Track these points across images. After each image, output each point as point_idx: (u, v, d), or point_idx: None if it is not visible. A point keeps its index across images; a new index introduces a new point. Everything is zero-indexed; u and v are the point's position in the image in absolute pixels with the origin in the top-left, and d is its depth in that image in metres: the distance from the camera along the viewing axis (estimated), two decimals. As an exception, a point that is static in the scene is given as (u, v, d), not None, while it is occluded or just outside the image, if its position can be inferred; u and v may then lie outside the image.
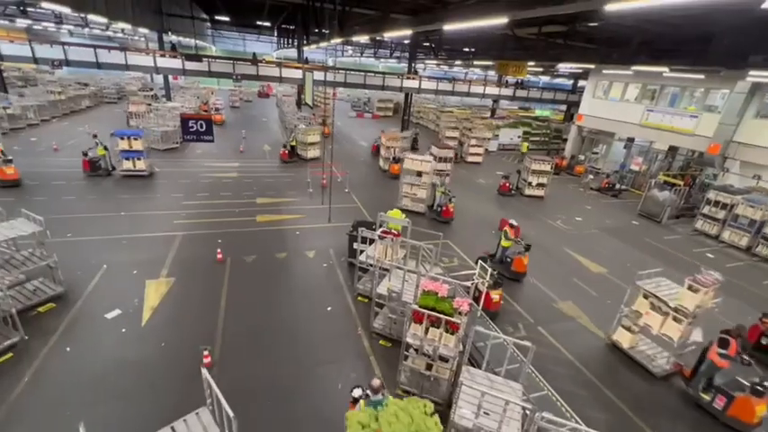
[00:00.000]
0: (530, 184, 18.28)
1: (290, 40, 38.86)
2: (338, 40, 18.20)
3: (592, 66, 23.11)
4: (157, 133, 20.34)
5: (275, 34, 44.57)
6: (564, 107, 39.74)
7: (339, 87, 28.21)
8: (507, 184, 18.37)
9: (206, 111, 28.06)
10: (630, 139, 23.47)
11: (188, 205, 13.68)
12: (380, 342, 7.91)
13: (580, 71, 34.15)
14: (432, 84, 30.67)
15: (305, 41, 30.24)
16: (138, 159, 15.82)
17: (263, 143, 23.88)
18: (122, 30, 30.42)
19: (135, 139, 15.57)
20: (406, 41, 31.82)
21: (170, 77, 32.07)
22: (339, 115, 28.93)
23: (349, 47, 42.39)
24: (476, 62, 31.06)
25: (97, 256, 9.81)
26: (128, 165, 15.76)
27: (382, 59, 48.98)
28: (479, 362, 6.67)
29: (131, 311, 8.05)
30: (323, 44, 23.67)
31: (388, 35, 14.94)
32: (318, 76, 24.42)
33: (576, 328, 9.09)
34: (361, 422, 4.14)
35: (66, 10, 14.22)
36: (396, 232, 8.68)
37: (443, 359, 6.34)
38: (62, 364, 6.66)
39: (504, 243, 10.87)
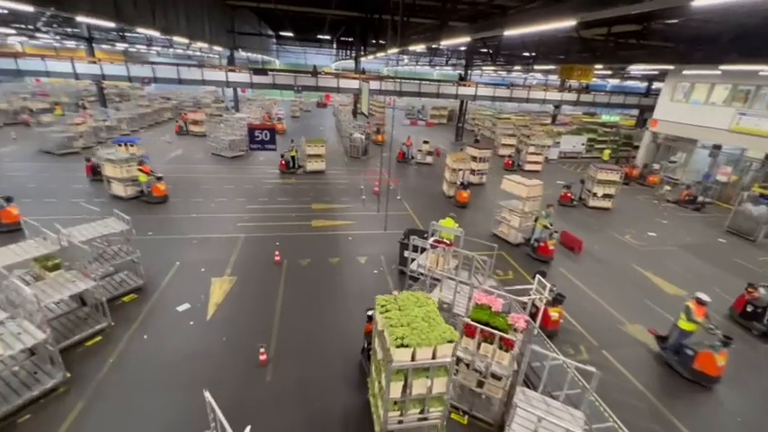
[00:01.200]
0: (594, 194, 17.01)
1: (349, 52, 40.28)
2: (395, 50, 18.48)
3: (670, 66, 21.07)
4: (226, 142, 22.05)
5: (334, 47, 46.46)
6: (635, 112, 36.66)
7: (394, 96, 28.56)
8: (569, 194, 17.27)
9: (269, 120, 29.91)
10: (717, 147, 20.94)
11: (250, 209, 14.60)
12: (429, 353, 7.75)
13: (655, 72, 31.34)
14: (488, 90, 29.95)
15: (362, 53, 31.17)
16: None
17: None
18: (200, 48, 33.64)
19: (131, 145, 17.35)
20: (463, 48, 31.46)
21: (239, 90, 34.78)
22: (393, 123, 29.35)
23: (405, 56, 42.88)
24: (536, 67, 29.82)
25: (172, 254, 10.80)
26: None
27: (437, 67, 48.90)
28: (535, 383, 6.27)
29: (198, 306, 8.73)
30: (380, 54, 24.23)
31: (445, 43, 14.88)
32: (374, 85, 24.96)
33: (648, 355, 8.21)
34: (383, 302, 5.69)
35: (156, 33, 16.04)
36: (448, 242, 8.51)
37: (496, 377, 6.05)
38: (140, 349, 7.39)
39: (683, 325, 7.71)
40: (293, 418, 6.20)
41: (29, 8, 9.07)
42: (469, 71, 32.07)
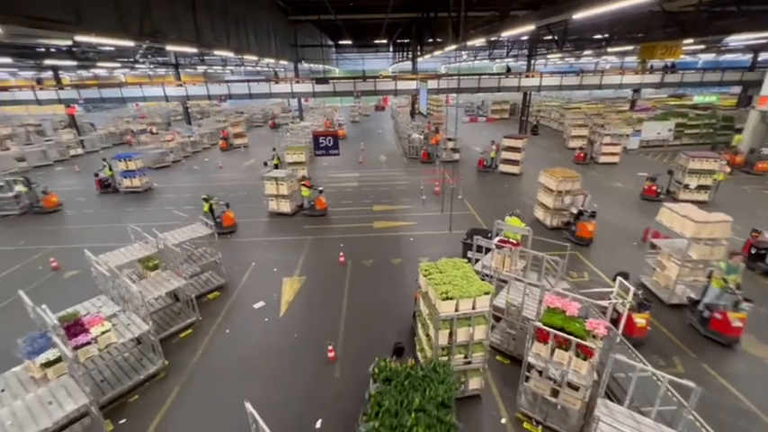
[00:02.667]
0: (686, 186, 15.03)
1: (405, 54, 40.43)
2: (453, 47, 18.14)
3: (783, 33, 17.87)
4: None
5: (391, 50, 47.01)
6: (737, 89, 31.75)
7: (452, 93, 28.05)
8: (654, 188, 15.48)
9: (330, 126, 31.13)
10: None
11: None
12: (497, 357, 7.46)
13: (763, 41, 26.85)
14: (554, 80, 28.03)
15: (419, 53, 31.09)
16: (134, 178, 18.01)
17: (379, 154, 25.24)
18: (267, 64, 36.21)
19: (130, 160, 17.88)
20: (524, 38, 29.90)
21: (302, 100, 36.71)
22: (452, 121, 28.88)
23: (463, 52, 41.89)
24: (610, 49, 27.26)
25: (248, 255, 11.72)
26: (126, 182, 18.02)
27: (497, 60, 47.03)
28: (620, 397, 5.71)
29: (272, 304, 9.35)
30: (437, 53, 23.95)
31: (507, 34, 14.24)
32: (432, 84, 24.72)
33: (766, 372, 7.02)
34: (426, 267, 6.61)
35: (230, 54, 17.59)
36: (515, 241, 8.11)
37: (573, 387, 5.61)
38: (223, 342, 8.12)
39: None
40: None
41: (130, 43, 10.50)
42: (532, 61, 30.33)
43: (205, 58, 33.36)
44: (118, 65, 30.65)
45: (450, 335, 5.96)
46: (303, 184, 14.82)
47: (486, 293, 5.91)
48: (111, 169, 18.04)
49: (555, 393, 5.81)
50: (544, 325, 5.63)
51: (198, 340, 8.16)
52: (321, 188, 14.87)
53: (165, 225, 10.86)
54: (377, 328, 8.38)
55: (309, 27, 32.77)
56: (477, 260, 8.49)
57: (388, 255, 11.55)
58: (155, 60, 29.76)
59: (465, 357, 6.19)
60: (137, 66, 31.38)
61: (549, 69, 46.69)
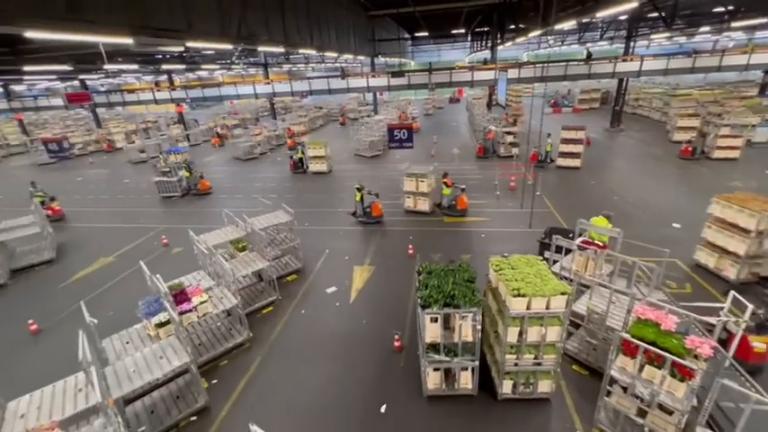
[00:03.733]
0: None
1: (484, 43, 38.81)
2: (538, 33, 16.93)
3: None
4: (366, 142, 24.05)
5: (469, 39, 45.44)
6: None
7: (535, 83, 26.26)
8: (787, 189, 12.84)
9: (404, 120, 31.28)
10: None
11: (386, 204, 15.57)
12: (573, 367, 6.94)
13: None
14: (658, 63, 24.61)
15: (499, 41, 29.60)
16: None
17: (453, 147, 24.72)
18: (346, 60, 37.54)
19: (179, 153, 19.98)
20: (623, 17, 26.64)
21: (377, 94, 37.39)
22: (534, 113, 27.07)
23: (549, 37, 38.85)
24: (735, 24, 23.04)
25: (322, 243, 12.42)
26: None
27: (588, 44, 42.72)
28: (724, 428, 4.95)
29: (343, 290, 9.81)
30: (519, 40, 22.56)
31: (602, 14, 12.85)
32: (512, 74, 23.41)
33: None
34: (496, 262, 6.46)
35: (312, 52, 18.57)
36: (601, 243, 7.40)
37: (665, 410, 5.00)
38: (299, 321, 8.76)
39: None
40: (423, 402, 6.40)
41: (229, 46, 11.70)
42: (631, 43, 26.96)
43: (290, 56, 35.69)
44: (217, 66, 34.32)
45: (521, 333, 5.79)
46: (444, 182, 13.96)
47: (563, 294, 5.58)
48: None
49: (642, 414, 5.24)
50: (633, 337, 5.09)
51: (277, 317, 8.91)
52: (463, 186, 13.76)
53: (253, 211, 11.97)
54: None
55: (387, 21, 33.08)
56: (555, 261, 7.94)
57: (458, 250, 11.34)
58: (247, 61, 32.66)
59: (535, 358, 5.96)
60: (233, 66, 34.78)
61: (653, 51, 41.03)
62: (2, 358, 8.03)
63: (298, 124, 29.92)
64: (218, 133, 31.82)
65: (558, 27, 15.29)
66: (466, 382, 6.47)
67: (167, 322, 6.68)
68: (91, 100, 30.52)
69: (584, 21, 20.56)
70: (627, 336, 5.15)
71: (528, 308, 5.62)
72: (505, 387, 6.18)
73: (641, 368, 5.09)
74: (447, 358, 6.16)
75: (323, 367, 7.36)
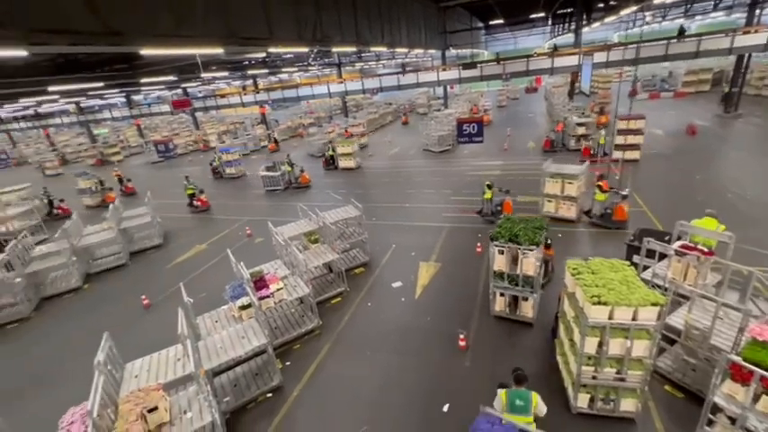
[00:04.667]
0: None
1: (567, 26, 35.71)
2: (632, 9, 15.07)
3: None
4: (435, 137, 23.74)
5: (549, 23, 42.17)
6: None
7: (626, 66, 23.50)
8: None
9: (476, 113, 30.23)
10: None
11: (455, 200, 15.27)
12: (666, 387, 6.13)
13: None
14: (795, 32, 20.30)
15: (584, 22, 27.01)
16: (232, 167, 23.46)
17: (528, 140, 23.28)
18: (416, 54, 37.37)
19: (230, 153, 23.47)
20: (746, -19, 22.46)
21: (448, 87, 36.60)
22: (622, 100, 24.20)
23: (646, 13, 34.36)
24: None
25: (389, 238, 12.60)
26: (229, 171, 23.53)
27: (697, 18, 36.94)
28: None
29: (408, 285, 9.87)
30: (609, 19, 20.33)
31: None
32: (599, 58, 21.21)
33: None
34: (574, 265, 5.96)
35: (383, 49, 18.82)
36: (706, 249, 6.39)
37: (788, 451, 4.17)
38: (365, 313, 9.03)
39: None
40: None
41: (305, 49, 12.39)
42: (757, 11, 22.63)
43: (362, 55, 36.60)
44: (295, 69, 36.55)
45: (600, 344, 5.29)
46: (598, 185, 11.57)
47: (655, 305, 4.97)
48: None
49: (755, 452, 4.44)
50: (745, 361, 4.33)
51: (345, 308, 9.28)
52: (625, 192, 11.45)
53: (324, 206, 12.57)
54: (512, 324, 7.93)
55: (459, 11, 32.11)
56: (645, 267, 7.07)
57: (531, 250, 10.67)
58: (322, 62, 34.28)
59: (617, 372, 5.40)
60: (309, 68, 36.76)
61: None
62: (122, 326, 9.57)
63: (357, 125, 29.93)
64: (275, 139, 31.95)
65: (658, 0, 13.42)
66: (527, 310, 7.82)
67: (249, 305, 7.36)
68: (191, 105, 34.65)
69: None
70: (737, 359, 4.40)
71: (610, 317, 5.10)
72: (581, 400, 5.70)
73: (756, 398, 4.31)
74: (509, 285, 7.62)
75: (387, 360, 7.50)
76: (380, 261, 11.25)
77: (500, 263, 7.51)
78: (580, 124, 19.56)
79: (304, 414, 6.57)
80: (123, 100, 40.36)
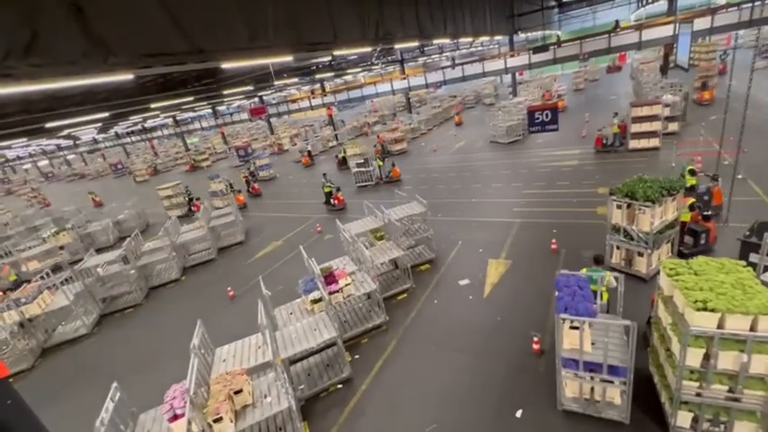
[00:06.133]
0: None
1: (657, -8, 31.36)
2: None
3: None
4: (503, 128, 22.60)
5: (635, -8, 37.53)
6: None
7: (734, 31, 19.97)
8: None
9: (549, 99, 28.12)
10: None
11: (526, 194, 14.39)
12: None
13: None
14: None
15: (680, -15, 23.53)
16: (263, 171, 26.66)
17: (610, 125, 21.00)
18: (481, 42, 35.89)
19: (261, 158, 26.91)
20: None
21: (517, 74, 34.56)
22: (738, 71, 20.56)
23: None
24: None
25: (455, 234, 12.30)
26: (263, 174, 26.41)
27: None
28: None
29: (476, 283, 9.53)
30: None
31: None
32: (700, 24, 18.36)
33: None
34: (671, 265, 5.27)
35: (446, 40, 18.37)
36: None
37: None
38: (430, 311, 8.93)
39: None
40: (560, 416, 5.72)
41: (368, 49, 12.58)
42: None
43: (425, 48, 36.16)
44: (359, 69, 37.41)
45: (707, 357, 4.59)
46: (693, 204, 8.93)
47: None
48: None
49: None
50: None
51: (411, 305, 9.28)
52: (716, 174, 10.19)
53: (390, 202, 12.69)
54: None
55: (528, -9, 30.08)
56: (766, 267, 5.94)
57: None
58: (385, 60, 34.57)
59: (729, 391, 4.64)
60: (372, 67, 37.37)
61: None
62: (212, 314, 10.68)
63: (393, 130, 27.46)
64: (309, 152, 29.52)
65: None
66: (640, 267, 8.28)
67: (320, 299, 7.72)
68: (266, 112, 37.41)
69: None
70: None
71: (720, 326, 4.39)
72: (681, 419, 4.99)
73: None
74: (624, 239, 8.15)
75: (455, 359, 7.34)
76: (447, 258, 11.04)
77: (617, 217, 8.17)
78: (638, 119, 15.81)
79: (373, 407, 6.71)
80: (210, 111, 44.94)
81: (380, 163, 20.12)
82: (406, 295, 9.70)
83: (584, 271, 6.36)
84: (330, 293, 7.94)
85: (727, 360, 4.48)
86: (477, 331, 7.94)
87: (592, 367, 5.32)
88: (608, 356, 5.14)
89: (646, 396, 5.68)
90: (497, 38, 29.81)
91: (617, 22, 23.72)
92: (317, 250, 12.69)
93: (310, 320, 7.39)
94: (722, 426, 4.82)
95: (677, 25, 19.95)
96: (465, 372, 7.02)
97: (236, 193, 21.40)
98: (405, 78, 30.12)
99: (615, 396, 5.55)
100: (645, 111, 15.52)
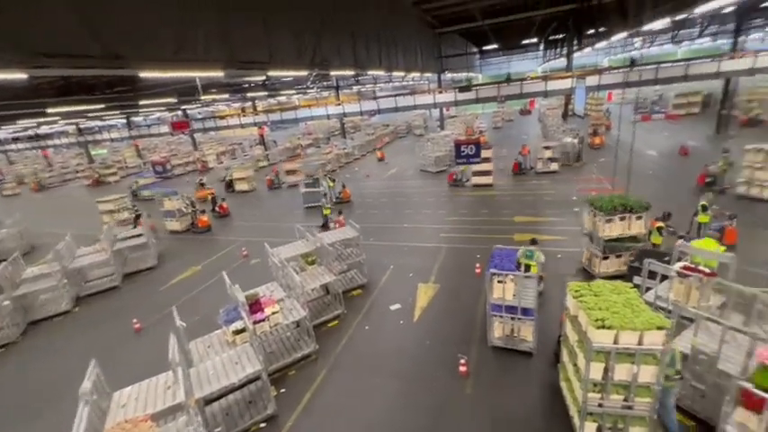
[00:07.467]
0: None
1: (559, 50, 36.79)
2: (622, 35, 15.56)
3: None
4: (432, 158, 23.96)
5: (541, 48, 43.51)
6: None
7: (618, 89, 24.08)
8: None
9: (471, 134, 30.66)
10: None
11: (451, 221, 15.24)
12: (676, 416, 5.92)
13: None
14: (778, 58, 21.02)
15: (576, 47, 27.87)
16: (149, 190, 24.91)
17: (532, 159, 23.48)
18: (412, 78, 38.20)
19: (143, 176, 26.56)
20: (728, 10, 23.37)
21: (444, 109, 37.28)
22: (616, 121, 24.68)
23: (635, 39, 35.57)
24: None
25: (387, 259, 12.46)
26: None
27: (685, 43, 38.23)
28: None
29: (407, 308, 9.67)
30: (600, 44, 20.97)
31: (703, 9, 11.39)
32: (591, 81, 21.76)
33: None
34: (576, 287, 5.90)
35: (380, 72, 19.21)
36: (708, 270, 6.33)
37: (807, 484, 4.00)
38: (362, 337, 8.80)
39: None
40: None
41: (304, 73, 12.61)
42: (741, 38, 23.50)
43: (359, 78, 37.38)
44: (294, 91, 37.22)
45: (606, 370, 5.14)
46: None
47: (660, 329, 4.85)
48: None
49: (772, 485, 4.25)
50: (757, 388, 4.19)
51: (342, 331, 9.05)
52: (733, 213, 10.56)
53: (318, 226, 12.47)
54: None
55: (454, 37, 33.12)
56: (648, 288, 6.98)
57: (530, 271, 10.56)
58: (321, 85, 34.96)
59: (625, 400, 5.23)
60: (308, 91, 37.46)
61: (769, 45, 35.23)
62: (111, 351, 9.26)
63: (326, 162, 26.65)
64: (201, 183, 24.68)
65: (646, 27, 13.89)
66: (596, 266, 9.74)
67: (243, 330, 7.16)
68: (190, 127, 34.99)
69: (678, 18, 18.45)
70: (748, 385, 4.26)
71: (615, 342, 4.97)
72: (588, 430, 5.48)
73: (770, 427, 4.15)
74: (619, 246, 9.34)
75: (386, 386, 7.25)
76: (378, 282, 11.09)
77: (588, 223, 9.96)
78: (547, 147, 20.34)
79: (299, 445, 6.28)
80: (123, 121, 40.71)
81: (331, 183, 19.58)
82: (337, 322, 9.45)
83: (521, 248, 8.44)
84: (255, 323, 7.42)
85: (621, 372, 5.08)
86: (407, 356, 7.98)
87: (511, 311, 7.41)
88: (522, 301, 7.24)
89: (556, 409, 6.17)
90: (427, 75, 32.04)
91: (509, 75, 27.37)
92: (242, 276, 11.88)
93: (231, 353, 6.78)
94: (620, 432, 5.40)
95: (574, 80, 23.44)
96: (396, 398, 6.95)
97: (198, 212, 18.00)
98: (339, 104, 30.64)
99: (528, 334, 7.56)
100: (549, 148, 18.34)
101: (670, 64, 23.15)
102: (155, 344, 9.07)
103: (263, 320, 7.55)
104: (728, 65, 21.12)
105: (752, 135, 22.75)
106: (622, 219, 9.30)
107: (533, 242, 9.01)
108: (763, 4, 21.81)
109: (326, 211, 15.96)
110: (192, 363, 6.83)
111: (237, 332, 7.17)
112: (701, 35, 29.09)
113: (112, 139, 44.01)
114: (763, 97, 26.96)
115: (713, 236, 9.57)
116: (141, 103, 23.49)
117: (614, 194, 9.97)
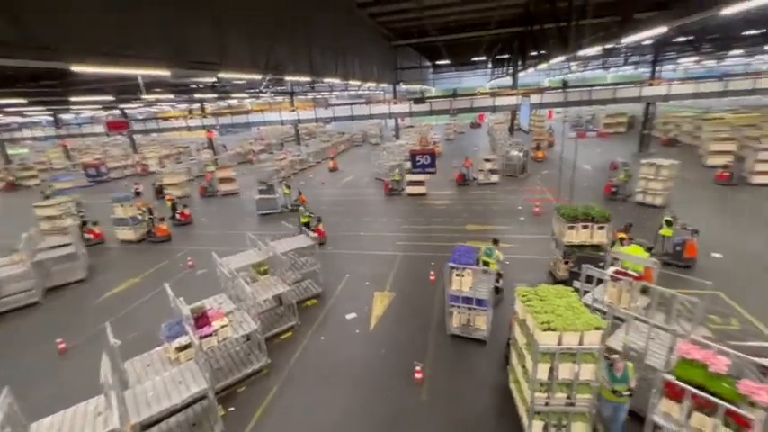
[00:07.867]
0: None
1: (505, 69, 39.18)
2: (560, 59, 16.96)
3: None
4: (387, 167, 24.23)
5: (490, 66, 46.10)
6: None
7: (558, 108, 26.12)
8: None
9: (425, 145, 31.53)
10: None
11: (406, 229, 15.48)
12: (610, 409, 6.41)
13: None
14: (687, 87, 24.13)
15: (520, 67, 29.85)
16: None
17: (474, 171, 24.56)
18: (368, 87, 38.64)
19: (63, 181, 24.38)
20: (647, 42, 26.44)
21: (399, 120, 38.03)
22: (557, 137, 26.78)
23: (572, 63, 38.88)
24: (768, 47, 22.45)
25: (343, 267, 12.34)
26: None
27: (612, 69, 42.45)
28: (793, 489, 4.38)
29: (363, 317, 9.61)
30: (541, 66, 22.66)
31: (628, 40, 12.76)
32: (535, 99, 23.36)
33: None
34: (524, 292, 6.18)
35: (336, 81, 19.21)
36: (636, 274, 6.99)
37: (719, 463, 4.50)
38: (317, 348, 8.59)
39: None
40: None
41: (258, 77, 12.24)
42: (658, 67, 26.61)
43: (315, 85, 37.02)
44: (246, 95, 35.99)
45: (552, 370, 5.42)
46: (667, 220, 10.92)
47: (598, 329, 5.25)
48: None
49: (692, 467, 4.73)
50: (678, 379, 4.67)
51: (296, 343, 8.78)
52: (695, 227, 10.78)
53: (276, 234, 12.08)
54: (467, 352, 7.96)
55: (409, 51, 34.06)
56: (585, 291, 7.55)
57: (482, 277, 11.00)
58: (275, 90, 34.13)
59: (568, 398, 5.54)
60: (261, 95, 36.40)
61: (680, 76, 40.32)
62: (28, 378, 8.20)
63: (280, 169, 26.02)
64: (137, 192, 22.29)
65: (581, 53, 15.25)
66: (559, 269, 10.23)
67: (188, 346, 6.68)
68: (129, 127, 32.44)
69: (608, 47, 20.52)
70: (670, 377, 4.74)
71: (559, 343, 5.29)
72: (535, 429, 5.76)
73: (689, 414, 4.63)
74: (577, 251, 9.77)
75: (341, 398, 7.11)
76: (334, 291, 10.92)
77: (557, 230, 10.49)
78: (487, 160, 21.62)
79: (249, 466, 5.94)
80: (49, 118, 36.78)
81: (287, 190, 19.05)
82: (290, 333, 9.14)
83: (482, 246, 9.25)
84: (201, 337, 6.96)
85: (565, 371, 5.41)
86: (363, 366, 7.91)
87: (467, 302, 8.06)
88: (477, 293, 7.96)
89: (506, 410, 6.42)
90: (383, 85, 32.59)
91: (455, 90, 28.84)
92: (188, 287, 11.14)
93: (174, 372, 6.29)
94: (563, 429, 5.73)
95: (519, 97, 25.08)
96: (351, 410, 6.84)
97: (156, 220, 16.26)
98: (294, 110, 30.13)
99: (482, 323, 8.30)
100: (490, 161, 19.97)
101: (601, 87, 25.58)
102: (83, 366, 8.18)
103: (211, 335, 7.11)
104: (648, 90, 23.79)
105: (669, 153, 25.70)
106: (585, 227, 9.72)
107: (495, 242, 9.59)
108: (675, 39, 24.91)
109: (305, 219, 14.56)
110: (127, 384, 6.23)
111: (181, 348, 6.68)
112: (625, 63, 32.51)
113: (35, 138, 39.62)
114: (676, 121, 30.67)
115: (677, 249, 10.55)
116: (72, 99, 21.42)
117: (579, 205, 10.46)
